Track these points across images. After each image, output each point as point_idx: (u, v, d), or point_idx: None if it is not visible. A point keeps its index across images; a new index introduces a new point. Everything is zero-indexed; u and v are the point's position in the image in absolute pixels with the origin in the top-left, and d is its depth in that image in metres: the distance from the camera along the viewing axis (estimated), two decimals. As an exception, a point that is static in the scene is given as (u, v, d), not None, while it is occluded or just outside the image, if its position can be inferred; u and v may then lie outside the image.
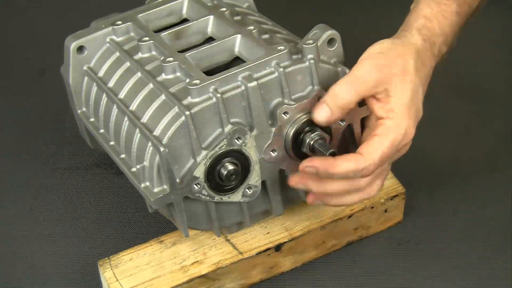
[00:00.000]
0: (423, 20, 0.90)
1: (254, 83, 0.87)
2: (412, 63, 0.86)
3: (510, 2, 1.41)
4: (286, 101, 0.89)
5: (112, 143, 0.96)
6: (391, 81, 0.85)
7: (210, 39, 0.97)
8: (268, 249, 0.98)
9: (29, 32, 1.43)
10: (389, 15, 1.37)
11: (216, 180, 0.88)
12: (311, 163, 0.86)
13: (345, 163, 0.84)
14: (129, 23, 1.00)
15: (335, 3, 1.46)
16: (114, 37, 1.00)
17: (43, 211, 1.11)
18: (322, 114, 0.86)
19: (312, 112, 0.87)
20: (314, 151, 0.90)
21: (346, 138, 0.95)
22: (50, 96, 1.28)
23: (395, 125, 0.85)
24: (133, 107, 0.92)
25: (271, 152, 0.91)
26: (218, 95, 0.86)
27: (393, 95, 0.85)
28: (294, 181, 0.89)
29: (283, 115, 0.89)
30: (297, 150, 0.91)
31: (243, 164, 0.89)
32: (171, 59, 0.91)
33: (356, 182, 0.87)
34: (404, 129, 0.85)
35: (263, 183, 0.92)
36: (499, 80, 1.28)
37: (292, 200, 0.97)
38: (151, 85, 0.92)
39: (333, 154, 0.88)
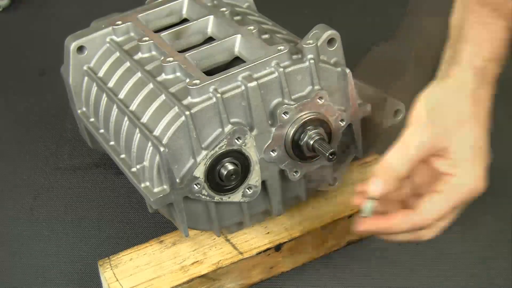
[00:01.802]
0: (472, 47, 0.82)
1: (254, 83, 0.87)
2: (467, 110, 0.80)
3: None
4: (286, 101, 0.89)
5: (112, 143, 0.96)
6: (447, 138, 0.79)
7: (210, 39, 0.97)
8: (268, 249, 0.98)
9: (29, 32, 1.43)
10: (389, 15, 1.37)
11: (216, 180, 0.88)
12: (366, 228, 0.82)
13: (402, 224, 0.80)
14: (129, 23, 1.00)
15: (335, 3, 1.46)
16: (114, 37, 1.00)
17: (43, 211, 1.11)
18: (376, 189, 0.80)
19: (367, 188, 0.81)
20: (314, 151, 0.90)
21: (346, 137, 0.95)
22: (50, 96, 1.28)
23: (459, 184, 0.79)
24: (133, 107, 0.92)
25: (271, 152, 0.90)
26: (218, 95, 0.86)
27: (454, 150, 0.79)
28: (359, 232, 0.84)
29: (283, 115, 0.89)
30: (297, 150, 0.91)
31: (243, 164, 0.89)
32: (171, 59, 0.91)
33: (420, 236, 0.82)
34: (473, 183, 0.79)
35: (263, 183, 0.92)
36: (500, 81, 1.27)
37: (292, 200, 0.97)
38: (151, 85, 0.92)
39: (332, 154, 0.88)
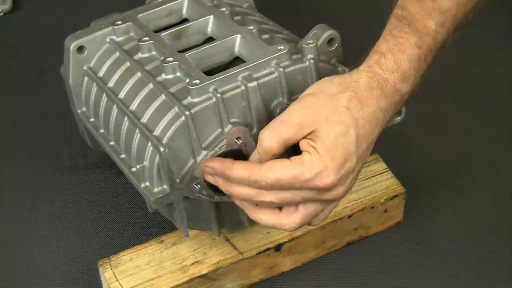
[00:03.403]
0: (377, 56, 0.83)
1: (254, 83, 0.87)
2: (344, 102, 0.80)
3: (509, 6, 1.41)
4: (286, 101, 0.89)
5: (112, 143, 0.96)
6: (317, 123, 0.80)
7: (210, 39, 0.97)
8: (268, 249, 0.98)
9: (29, 32, 1.43)
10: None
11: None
12: (210, 164, 0.84)
13: (240, 170, 0.81)
14: (129, 23, 1.00)
15: (335, 3, 1.46)
16: (114, 37, 1.00)
17: (43, 211, 1.11)
18: (252, 159, 0.83)
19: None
20: None
21: None
22: (50, 96, 1.28)
23: (309, 162, 0.78)
24: (133, 107, 0.92)
25: (271, 152, 0.90)
26: (218, 95, 0.86)
27: (320, 135, 0.79)
28: (204, 169, 0.85)
29: (283, 115, 0.89)
30: (298, 148, 0.91)
31: (243, 164, 0.89)
32: (171, 59, 0.91)
33: (260, 195, 0.81)
34: (319, 169, 0.78)
35: (263, 183, 0.92)
36: (499, 83, 1.28)
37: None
38: (151, 85, 0.92)
39: None
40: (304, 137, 0.81)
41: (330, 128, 0.79)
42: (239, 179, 0.81)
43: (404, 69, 0.83)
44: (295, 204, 0.82)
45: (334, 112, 0.80)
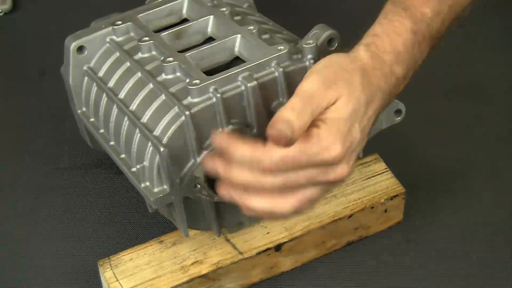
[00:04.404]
0: (372, 38, 0.83)
1: (254, 83, 0.87)
2: (358, 79, 0.79)
3: (510, 3, 1.41)
4: (286, 101, 0.89)
5: (112, 143, 0.96)
6: (338, 95, 0.78)
7: (210, 39, 0.97)
8: (268, 249, 0.98)
9: (29, 32, 1.43)
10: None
11: (216, 180, 0.88)
12: (218, 139, 0.78)
13: (244, 148, 0.76)
14: (129, 23, 1.00)
15: (334, 3, 1.45)
16: (114, 37, 1.00)
17: (43, 211, 1.11)
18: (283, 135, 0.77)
19: (273, 132, 0.75)
20: None
21: None
22: (50, 96, 1.28)
23: (316, 135, 0.76)
24: (133, 107, 0.92)
25: (271, 152, 0.90)
26: (218, 95, 0.86)
27: (332, 109, 0.78)
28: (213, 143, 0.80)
29: (283, 115, 0.89)
30: None
31: (243, 164, 0.89)
32: (171, 59, 0.91)
33: (261, 179, 0.76)
34: (327, 142, 0.76)
35: (263, 183, 0.92)
36: (500, 81, 1.28)
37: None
38: (151, 85, 0.92)
39: None
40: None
41: (346, 103, 0.78)
42: (241, 157, 0.76)
43: (399, 52, 0.82)
44: (296, 188, 0.78)
45: (351, 87, 0.78)
